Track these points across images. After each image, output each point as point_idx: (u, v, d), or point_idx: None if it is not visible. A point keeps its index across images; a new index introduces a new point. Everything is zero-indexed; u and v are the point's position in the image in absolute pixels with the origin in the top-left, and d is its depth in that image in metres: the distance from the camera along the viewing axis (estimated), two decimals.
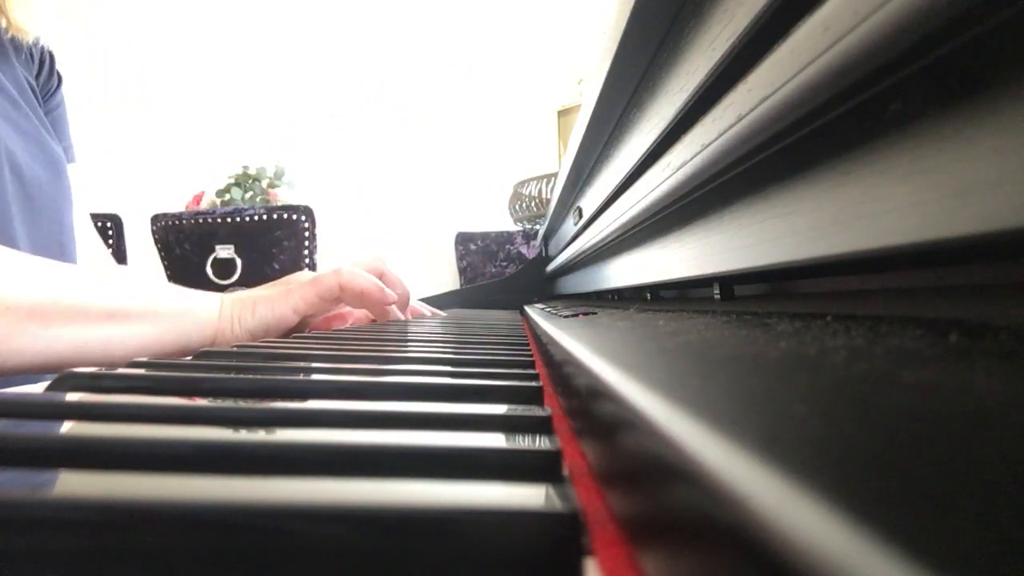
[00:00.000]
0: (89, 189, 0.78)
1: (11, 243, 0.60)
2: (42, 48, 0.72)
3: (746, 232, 0.29)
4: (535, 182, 2.35)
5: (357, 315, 0.71)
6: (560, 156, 2.52)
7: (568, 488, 0.13)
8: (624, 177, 0.53)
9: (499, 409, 0.20)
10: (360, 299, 0.63)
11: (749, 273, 0.29)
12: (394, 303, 0.67)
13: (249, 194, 2.50)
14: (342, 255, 2.66)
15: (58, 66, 0.76)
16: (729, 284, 0.41)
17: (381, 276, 0.67)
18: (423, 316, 0.76)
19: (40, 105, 0.70)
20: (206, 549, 0.11)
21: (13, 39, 0.67)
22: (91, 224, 0.79)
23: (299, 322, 0.63)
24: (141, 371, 0.27)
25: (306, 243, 2.02)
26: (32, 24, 0.65)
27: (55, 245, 0.68)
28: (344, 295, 0.62)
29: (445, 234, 2.60)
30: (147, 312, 0.52)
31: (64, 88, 0.77)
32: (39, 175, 0.64)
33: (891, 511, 0.06)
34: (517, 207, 2.41)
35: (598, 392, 0.16)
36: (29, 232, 0.63)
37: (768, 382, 0.12)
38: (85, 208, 0.77)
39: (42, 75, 0.72)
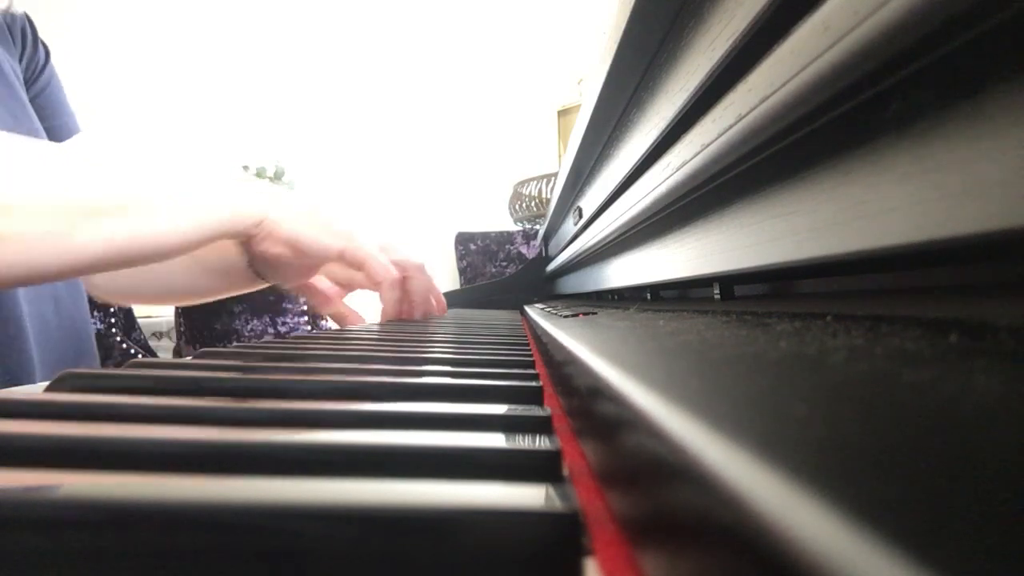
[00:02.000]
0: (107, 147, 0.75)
1: None
2: (23, 22, 0.69)
3: (746, 232, 0.29)
4: (535, 182, 2.35)
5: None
6: (560, 156, 2.52)
7: (568, 488, 0.13)
8: (624, 177, 0.53)
9: (499, 409, 0.20)
10: (374, 279, 0.63)
11: (749, 273, 0.29)
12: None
13: None
14: None
15: (57, 68, 0.73)
16: (729, 284, 0.41)
17: (407, 279, 0.67)
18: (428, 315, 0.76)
19: (24, 90, 0.67)
20: (206, 549, 0.11)
21: None
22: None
23: (317, 269, 0.62)
24: (141, 371, 0.27)
25: None
26: None
27: None
28: (366, 267, 0.62)
29: (445, 234, 2.61)
30: (196, 199, 0.51)
31: (54, 59, 0.73)
32: None
33: (891, 511, 0.06)
34: (517, 207, 2.41)
35: (598, 392, 0.16)
36: None
37: (768, 382, 0.12)
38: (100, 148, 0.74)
39: (26, 53, 0.69)
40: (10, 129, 0.62)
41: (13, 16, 0.67)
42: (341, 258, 0.61)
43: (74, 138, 0.71)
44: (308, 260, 0.60)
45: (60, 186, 0.44)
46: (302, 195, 0.61)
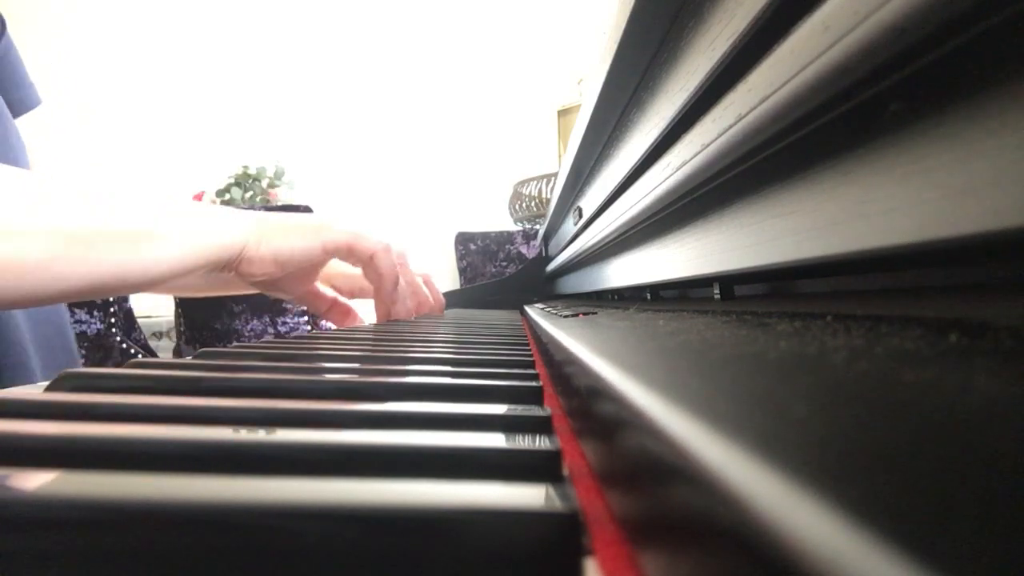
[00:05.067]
0: (100, 184, 0.75)
1: None
2: None
3: (746, 232, 0.29)
4: (535, 182, 2.35)
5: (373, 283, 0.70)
6: (560, 156, 2.52)
7: (568, 488, 0.13)
8: (624, 177, 0.53)
9: (499, 409, 0.20)
10: (377, 281, 0.63)
11: (749, 273, 0.29)
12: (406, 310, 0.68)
13: (249, 194, 2.50)
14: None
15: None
16: (729, 284, 0.41)
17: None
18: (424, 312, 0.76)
19: None
20: (206, 549, 0.11)
21: None
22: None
23: (321, 262, 0.62)
24: (141, 371, 0.27)
25: None
26: None
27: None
28: (369, 267, 0.62)
29: (445, 234, 2.61)
30: (180, 232, 0.52)
31: (11, 32, 0.71)
32: None
33: (891, 511, 0.06)
34: (517, 207, 2.41)
35: (598, 392, 0.16)
36: None
37: (768, 382, 0.12)
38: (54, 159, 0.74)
39: None
40: None
41: None
42: (327, 253, 0.61)
43: (30, 172, 0.71)
44: (296, 268, 0.61)
45: (53, 215, 0.45)
46: (290, 214, 0.62)
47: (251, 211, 0.61)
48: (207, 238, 0.55)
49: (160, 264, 0.51)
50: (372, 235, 0.63)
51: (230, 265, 0.58)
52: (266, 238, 0.58)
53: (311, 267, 0.63)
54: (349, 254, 0.62)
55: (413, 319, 0.72)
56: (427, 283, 0.74)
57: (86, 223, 0.47)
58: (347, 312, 0.71)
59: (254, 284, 0.63)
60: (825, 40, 0.17)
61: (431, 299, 0.74)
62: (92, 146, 2.64)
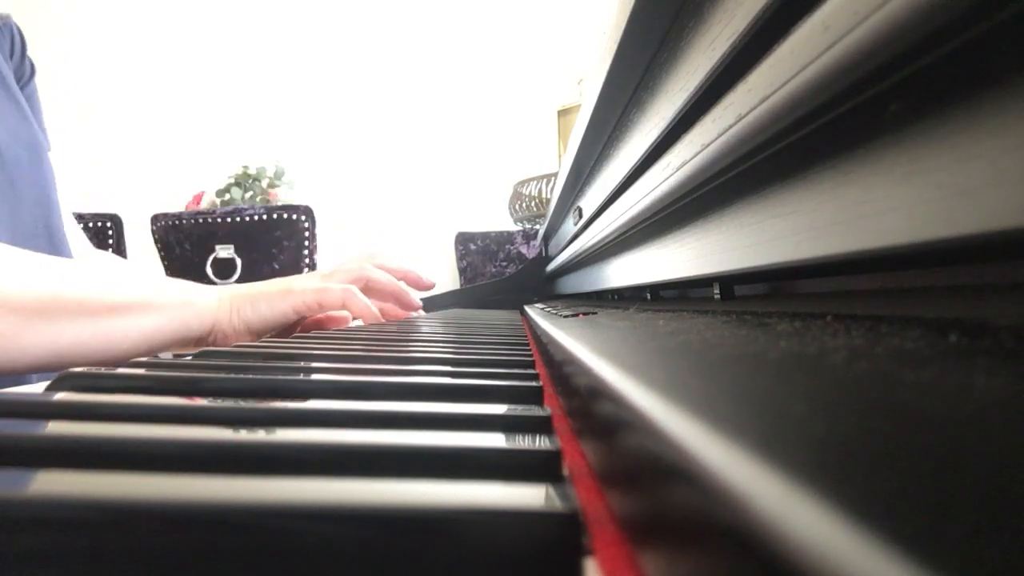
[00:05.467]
0: (68, 181, 0.76)
1: None
2: (12, 30, 0.70)
3: (746, 232, 0.29)
4: (535, 182, 2.35)
5: (353, 318, 0.72)
6: (560, 156, 2.51)
7: (568, 488, 0.13)
8: (624, 177, 0.53)
9: (499, 409, 0.20)
10: (359, 316, 0.65)
11: (749, 273, 0.29)
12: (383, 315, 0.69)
13: (249, 194, 2.50)
14: (342, 255, 2.66)
15: (57, 68, 0.74)
16: (729, 284, 0.41)
17: (364, 287, 0.68)
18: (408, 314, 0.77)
19: (17, 87, 0.68)
20: (206, 549, 0.11)
21: None
22: (70, 215, 0.80)
23: (296, 320, 0.64)
24: (141, 371, 0.27)
25: (306, 243, 2.02)
26: None
27: (41, 228, 0.67)
28: (347, 309, 0.64)
29: (445, 234, 2.60)
30: (148, 304, 0.53)
31: (38, 79, 0.74)
32: (20, 156, 0.63)
33: (891, 511, 0.06)
34: (517, 207, 2.41)
35: (598, 392, 0.16)
36: (10, 214, 0.62)
37: (768, 382, 0.12)
38: (65, 198, 0.77)
39: (14, 59, 0.70)
40: (15, 128, 0.62)
41: (4, 18, 0.68)
42: (298, 314, 0.62)
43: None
44: (272, 332, 0.62)
45: (14, 283, 0.45)
46: (255, 284, 0.64)
47: (217, 288, 0.61)
48: (179, 311, 0.55)
49: (128, 337, 0.51)
50: (334, 284, 0.64)
51: (202, 342, 0.58)
52: (236, 312, 0.59)
53: (290, 325, 0.65)
54: (321, 308, 0.63)
55: (412, 319, 0.72)
56: (408, 280, 0.74)
57: (48, 292, 0.46)
58: (342, 319, 0.72)
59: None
60: (825, 40, 0.17)
61: (413, 302, 0.75)
62: (92, 146, 2.64)
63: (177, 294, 0.56)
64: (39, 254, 0.50)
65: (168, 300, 0.55)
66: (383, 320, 0.67)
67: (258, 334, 0.61)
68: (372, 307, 0.65)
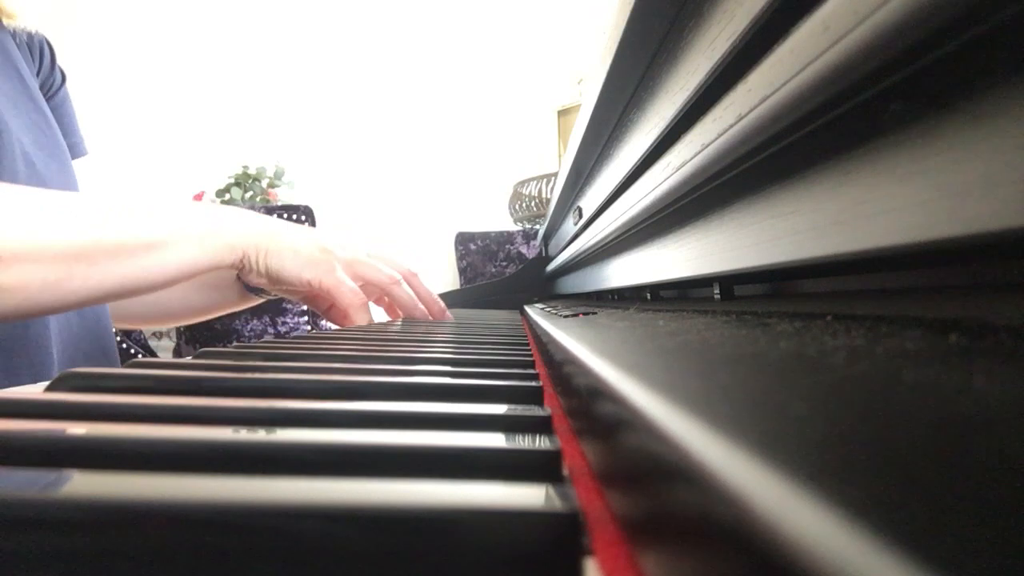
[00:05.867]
0: (100, 183, 0.78)
1: None
2: (41, 43, 0.72)
3: (746, 232, 0.29)
4: (535, 182, 2.35)
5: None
6: (560, 156, 2.52)
7: (568, 488, 0.13)
8: (624, 177, 0.53)
9: (499, 409, 0.20)
10: (355, 321, 0.66)
11: (749, 273, 0.29)
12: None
13: (249, 194, 2.50)
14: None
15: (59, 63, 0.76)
16: (729, 284, 0.41)
17: (391, 287, 0.70)
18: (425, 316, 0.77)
19: (44, 97, 0.70)
20: (206, 549, 0.11)
21: (14, 31, 0.67)
22: None
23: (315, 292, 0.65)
24: (141, 371, 0.27)
25: None
26: (16, 7, 0.66)
27: None
28: (348, 314, 0.66)
29: (445, 234, 2.61)
30: (182, 238, 0.55)
31: (68, 84, 0.77)
32: (49, 164, 0.65)
33: (891, 511, 0.06)
34: (517, 207, 2.41)
35: (598, 392, 0.16)
36: None
37: (768, 382, 0.12)
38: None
39: (43, 71, 0.72)
40: (44, 141, 0.64)
41: (30, 34, 0.70)
42: (312, 289, 0.63)
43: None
44: (287, 291, 0.64)
45: (56, 233, 0.48)
46: (295, 227, 0.65)
47: (264, 218, 0.63)
48: (206, 245, 0.57)
49: (166, 270, 0.54)
50: (348, 284, 0.65)
51: (234, 266, 0.60)
52: (264, 254, 0.60)
53: (299, 293, 0.66)
54: (331, 298, 0.64)
55: (413, 320, 0.72)
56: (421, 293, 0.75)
57: (88, 238, 0.49)
58: (347, 313, 0.72)
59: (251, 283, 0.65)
60: (825, 40, 0.17)
61: (426, 313, 0.75)
62: (92, 146, 2.64)
63: (210, 225, 0.58)
64: (77, 197, 0.53)
65: (201, 231, 0.57)
66: (366, 312, 0.67)
67: (275, 284, 0.62)
68: (359, 294, 0.65)
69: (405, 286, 0.69)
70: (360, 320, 0.66)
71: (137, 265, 0.52)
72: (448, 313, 0.79)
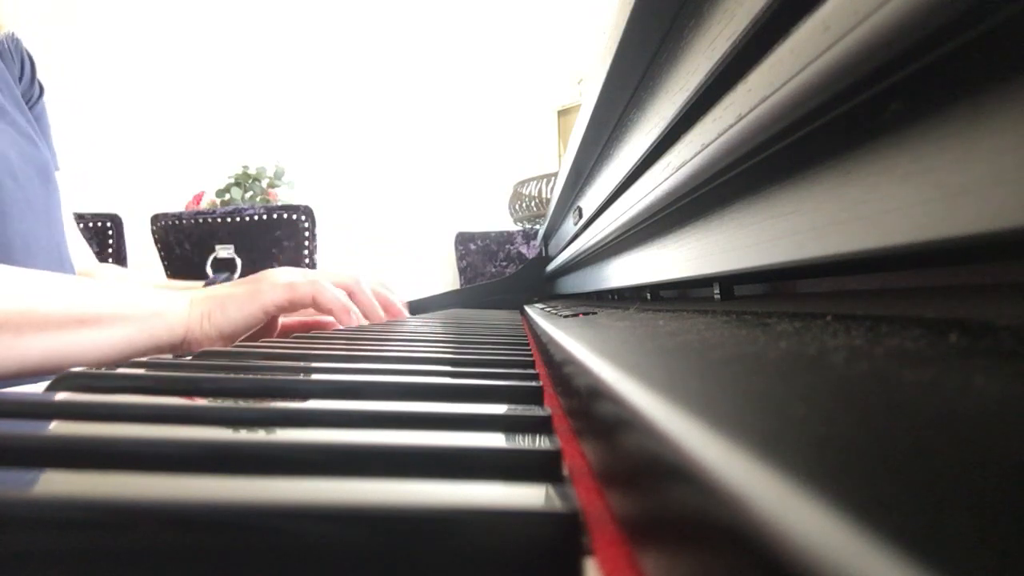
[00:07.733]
0: (73, 193, 0.78)
1: (8, 247, 0.60)
2: (23, 54, 0.72)
3: (746, 232, 0.29)
4: (535, 182, 2.35)
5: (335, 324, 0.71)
6: (560, 156, 2.52)
7: (568, 488, 0.13)
8: (624, 177, 0.53)
9: (499, 409, 0.20)
10: (329, 314, 0.65)
11: (749, 273, 0.29)
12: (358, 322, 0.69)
13: (249, 194, 2.50)
14: (342, 255, 2.67)
15: (57, 68, 0.76)
16: (729, 284, 0.41)
17: (350, 293, 0.68)
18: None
19: (27, 109, 0.70)
20: (205, 549, 0.11)
21: (3, 41, 0.67)
22: (75, 225, 0.81)
23: (271, 321, 0.63)
24: (141, 371, 0.27)
25: (306, 243, 2.02)
26: (3, 16, 0.65)
27: (53, 246, 0.68)
28: (315, 306, 0.64)
29: (445, 234, 2.60)
30: (117, 316, 0.53)
31: (46, 99, 0.76)
32: (32, 178, 0.64)
33: (891, 511, 0.06)
34: (517, 207, 2.41)
35: (598, 392, 0.16)
36: (26, 233, 0.63)
37: (768, 382, 0.12)
38: (69, 209, 0.78)
39: (23, 81, 0.72)
40: (27, 150, 0.64)
41: (13, 45, 0.69)
42: (268, 314, 0.62)
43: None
44: (244, 334, 0.62)
45: (13, 299, 0.46)
46: (224, 285, 0.64)
47: (187, 294, 0.61)
48: (150, 323, 0.55)
49: (98, 348, 0.51)
50: (303, 282, 0.63)
51: (175, 349, 0.58)
52: (207, 317, 0.59)
53: (264, 326, 0.64)
54: (292, 305, 0.63)
55: (413, 320, 0.72)
56: (382, 299, 0.74)
57: (14, 306, 0.47)
58: (326, 324, 0.72)
59: None
60: (825, 40, 0.17)
61: (396, 307, 0.75)
62: (91, 146, 2.64)
63: (148, 304, 0.56)
64: (9, 267, 0.51)
65: (138, 311, 0.55)
66: (353, 311, 0.66)
67: (231, 338, 0.60)
68: (343, 298, 0.64)
69: (328, 288, 0.65)
70: (339, 310, 0.65)
71: (66, 340, 0.49)
72: (406, 311, 0.78)
